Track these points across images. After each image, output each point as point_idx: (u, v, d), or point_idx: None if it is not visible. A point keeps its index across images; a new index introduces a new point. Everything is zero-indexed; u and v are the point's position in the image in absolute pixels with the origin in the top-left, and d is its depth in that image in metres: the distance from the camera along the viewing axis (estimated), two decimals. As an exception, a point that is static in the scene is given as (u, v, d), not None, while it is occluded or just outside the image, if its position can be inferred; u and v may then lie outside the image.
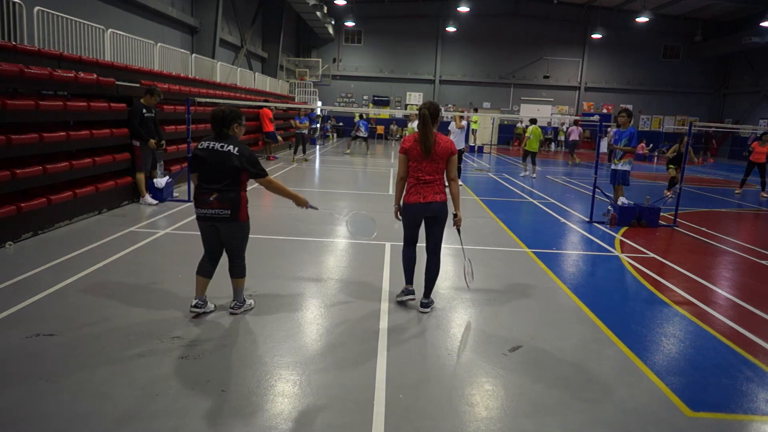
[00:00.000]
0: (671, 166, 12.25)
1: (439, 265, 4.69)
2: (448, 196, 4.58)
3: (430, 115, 4.34)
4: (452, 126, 12.68)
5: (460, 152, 12.59)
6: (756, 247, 7.81)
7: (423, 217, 4.57)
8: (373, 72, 33.37)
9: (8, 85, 6.48)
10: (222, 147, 4.05)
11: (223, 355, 3.67)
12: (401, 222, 4.69)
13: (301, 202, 4.44)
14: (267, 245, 6.66)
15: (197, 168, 4.11)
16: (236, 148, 4.05)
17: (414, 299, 4.77)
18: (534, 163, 15.72)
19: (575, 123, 22.41)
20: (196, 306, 4.27)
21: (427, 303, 4.69)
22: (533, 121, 15.94)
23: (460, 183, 13.00)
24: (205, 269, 4.30)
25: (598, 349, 4.08)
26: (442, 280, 5.61)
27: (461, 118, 12.57)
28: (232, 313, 4.31)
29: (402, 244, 4.82)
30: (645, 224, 8.75)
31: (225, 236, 4.20)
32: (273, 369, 3.53)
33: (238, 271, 4.32)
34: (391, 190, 11.81)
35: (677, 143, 12.99)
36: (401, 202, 4.63)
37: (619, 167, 9.12)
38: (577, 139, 21.86)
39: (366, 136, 21.00)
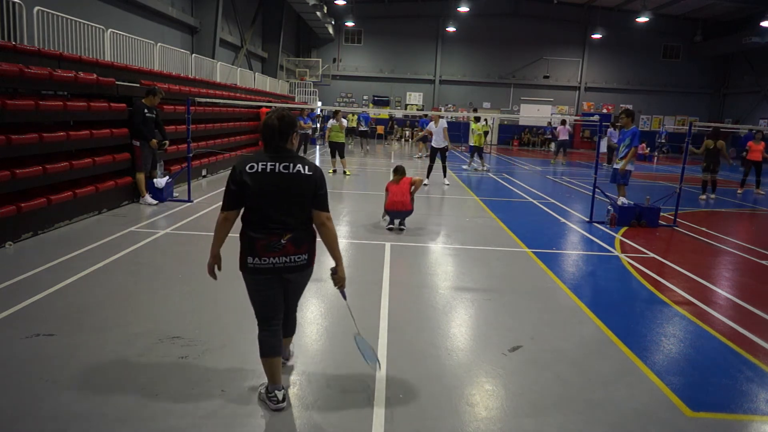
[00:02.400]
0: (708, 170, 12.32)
1: None
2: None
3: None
4: (431, 125, 12.70)
5: (444, 150, 12.58)
6: (756, 247, 7.81)
7: None
8: (373, 72, 33.38)
9: (8, 85, 6.48)
10: (287, 167, 2.85)
11: (223, 355, 3.67)
12: None
13: (340, 273, 3.12)
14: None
15: (248, 200, 2.85)
16: (306, 167, 2.89)
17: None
18: (482, 158, 16.66)
19: (562, 122, 22.45)
20: (281, 400, 3.05)
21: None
22: (477, 119, 16.68)
23: (447, 183, 13.15)
24: (277, 345, 3.07)
25: (598, 349, 4.08)
26: (442, 280, 5.62)
27: (440, 117, 12.66)
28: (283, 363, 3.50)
29: None
30: (645, 224, 8.75)
31: (296, 288, 3.13)
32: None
33: (294, 325, 3.38)
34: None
35: (709, 139, 12.90)
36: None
37: (619, 167, 9.13)
38: (566, 138, 21.87)
39: (366, 129, 20.62)
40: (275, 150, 2.88)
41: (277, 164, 2.84)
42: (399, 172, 7.73)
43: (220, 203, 2.99)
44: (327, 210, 2.97)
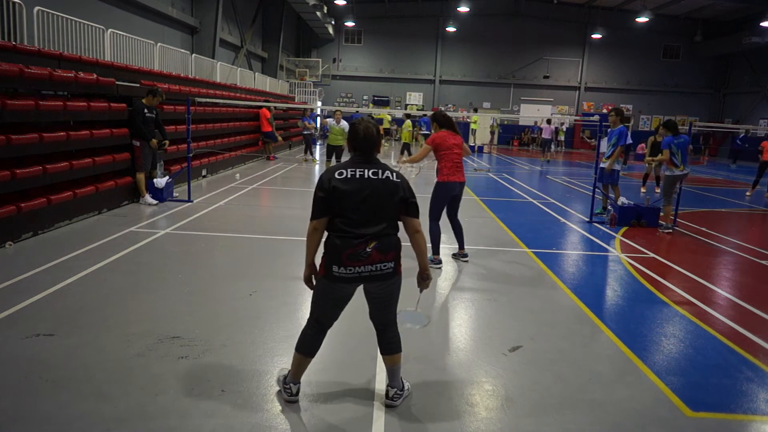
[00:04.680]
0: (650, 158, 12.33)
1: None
2: None
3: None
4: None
5: None
6: (756, 247, 7.81)
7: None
8: (373, 72, 33.37)
9: (8, 85, 6.48)
10: (376, 174, 2.87)
11: (223, 355, 3.67)
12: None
13: (430, 275, 3.18)
14: (267, 245, 6.66)
15: (336, 207, 2.83)
16: (394, 174, 2.92)
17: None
18: (410, 153, 16.86)
19: (547, 121, 22.90)
20: (294, 393, 3.13)
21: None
22: (408, 116, 17.11)
23: None
24: (315, 346, 3.12)
25: (598, 349, 4.08)
26: (442, 280, 5.62)
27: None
28: (390, 405, 3.12)
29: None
30: (645, 224, 8.75)
31: (382, 298, 3.03)
32: (273, 369, 3.53)
33: (398, 342, 3.16)
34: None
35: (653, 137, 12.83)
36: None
37: (605, 166, 8.98)
38: (549, 137, 22.47)
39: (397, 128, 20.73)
40: (365, 158, 2.91)
41: (366, 170, 2.87)
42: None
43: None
44: (418, 217, 3.00)
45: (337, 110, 13.61)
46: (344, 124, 12.94)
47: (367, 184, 2.83)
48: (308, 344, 3.08)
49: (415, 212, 2.97)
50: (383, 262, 2.86)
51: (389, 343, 3.12)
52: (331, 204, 2.82)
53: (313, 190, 2.91)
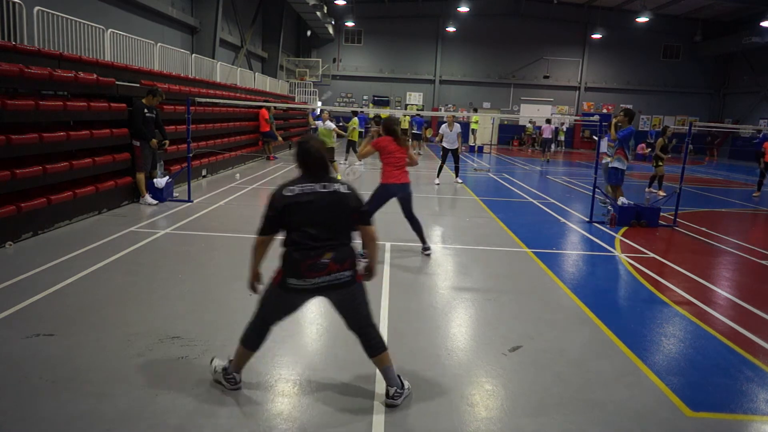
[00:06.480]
0: (660, 163, 12.43)
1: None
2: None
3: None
4: (444, 128, 12.81)
5: (456, 151, 12.97)
6: (756, 247, 7.81)
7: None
8: (373, 72, 33.35)
9: (8, 85, 6.48)
10: (325, 187, 2.98)
11: (223, 355, 3.66)
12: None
13: (371, 271, 3.27)
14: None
15: (290, 222, 2.95)
16: (344, 185, 3.06)
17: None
18: (356, 152, 16.33)
19: (547, 121, 23.09)
20: (238, 381, 3.28)
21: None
22: (355, 113, 16.91)
23: (460, 181, 13.29)
24: (260, 342, 3.24)
25: (598, 349, 4.08)
26: (442, 280, 5.62)
27: (455, 122, 12.90)
28: (392, 405, 3.14)
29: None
30: (645, 224, 8.75)
31: (348, 306, 3.10)
32: (273, 369, 3.53)
33: (379, 342, 3.18)
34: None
35: (661, 136, 12.96)
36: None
37: (610, 164, 9.08)
38: (550, 137, 22.70)
39: (419, 133, 20.55)
40: (314, 174, 3.02)
41: (316, 185, 2.98)
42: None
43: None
44: (371, 224, 3.15)
45: (324, 111, 13.70)
46: (330, 124, 12.97)
47: (318, 198, 2.95)
48: (254, 339, 3.21)
49: (368, 220, 3.13)
50: (340, 271, 2.97)
51: (371, 346, 3.16)
52: (280, 222, 2.97)
53: None
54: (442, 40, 32.74)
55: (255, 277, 3.15)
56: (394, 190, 6.19)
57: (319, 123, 13.38)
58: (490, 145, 29.37)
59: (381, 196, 6.21)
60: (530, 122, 31.26)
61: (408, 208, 6.36)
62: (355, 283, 3.06)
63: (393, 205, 6.31)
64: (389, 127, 6.20)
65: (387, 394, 3.15)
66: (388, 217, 8.48)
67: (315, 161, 3.02)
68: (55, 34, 8.63)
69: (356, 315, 3.14)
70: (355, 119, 15.93)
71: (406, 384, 3.25)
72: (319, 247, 2.91)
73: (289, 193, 2.94)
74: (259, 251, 3.06)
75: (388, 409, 3.10)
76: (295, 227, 2.94)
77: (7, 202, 6.14)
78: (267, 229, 3.00)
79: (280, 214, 2.93)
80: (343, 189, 3.01)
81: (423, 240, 6.47)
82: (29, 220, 6.45)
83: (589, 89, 33.51)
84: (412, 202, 6.37)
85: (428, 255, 6.44)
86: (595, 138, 11.68)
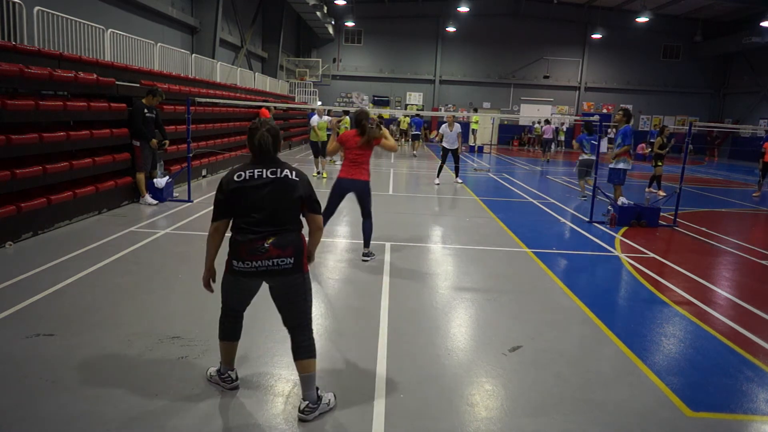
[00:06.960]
0: (660, 163, 12.46)
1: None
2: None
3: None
4: (444, 128, 12.82)
5: (455, 151, 12.99)
6: (756, 247, 7.81)
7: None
8: (373, 72, 33.36)
9: (8, 85, 6.48)
10: (274, 173, 2.96)
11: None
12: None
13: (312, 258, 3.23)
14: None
15: (237, 207, 2.93)
16: (293, 172, 3.03)
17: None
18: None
19: (546, 122, 23.19)
20: (235, 379, 3.28)
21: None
22: (346, 113, 16.99)
23: (460, 181, 13.31)
24: (237, 330, 3.26)
25: (598, 349, 4.08)
26: (442, 280, 5.62)
27: (455, 122, 12.92)
28: (303, 420, 2.96)
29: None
30: (645, 224, 8.75)
31: (285, 296, 3.02)
32: (273, 369, 3.53)
33: (308, 346, 3.07)
34: (391, 190, 11.82)
35: (659, 136, 12.95)
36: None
37: (613, 166, 9.16)
38: (550, 137, 22.86)
39: (418, 133, 20.56)
40: (264, 159, 2.99)
41: (265, 170, 2.96)
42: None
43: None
44: (320, 213, 3.15)
45: (318, 107, 13.91)
46: (326, 118, 13.22)
47: (265, 183, 2.93)
48: (229, 330, 3.23)
49: (316, 208, 3.10)
50: (281, 257, 2.91)
51: (299, 348, 3.05)
52: (231, 205, 2.94)
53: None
54: (442, 40, 32.75)
55: (209, 272, 3.13)
56: (346, 185, 6.01)
57: (315, 118, 13.47)
58: (490, 145, 29.38)
59: (334, 191, 6.08)
60: (537, 123, 31.26)
61: (364, 207, 6.13)
62: (299, 272, 2.99)
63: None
64: (358, 120, 6.06)
65: (299, 408, 2.99)
66: (388, 216, 8.50)
67: (263, 147, 2.97)
68: (55, 34, 8.63)
69: (292, 308, 3.04)
70: (347, 118, 15.99)
71: (327, 398, 3.09)
72: (262, 231, 2.89)
73: (238, 178, 2.93)
74: (213, 239, 3.03)
75: (387, 410, 3.10)
76: (241, 213, 2.93)
77: (7, 202, 6.14)
78: (218, 214, 2.98)
79: (228, 198, 2.92)
80: (293, 175, 3.00)
81: (366, 244, 6.24)
82: (29, 220, 6.45)
83: (589, 89, 33.52)
84: (371, 203, 6.15)
85: (365, 261, 6.11)
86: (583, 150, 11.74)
